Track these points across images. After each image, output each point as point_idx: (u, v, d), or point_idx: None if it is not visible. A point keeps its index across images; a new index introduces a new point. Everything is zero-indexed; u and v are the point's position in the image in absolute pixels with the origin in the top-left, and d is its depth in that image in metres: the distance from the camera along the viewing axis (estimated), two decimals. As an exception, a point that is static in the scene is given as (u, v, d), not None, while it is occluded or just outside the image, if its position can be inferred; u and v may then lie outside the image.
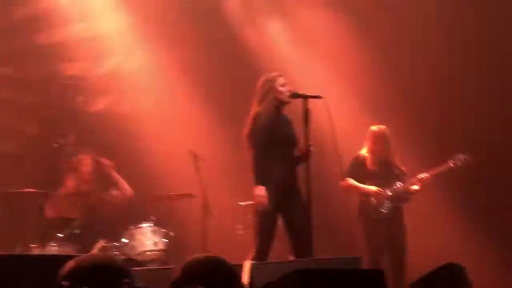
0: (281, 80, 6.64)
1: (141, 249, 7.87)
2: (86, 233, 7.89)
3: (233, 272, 3.32)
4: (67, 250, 7.48)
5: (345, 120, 9.24)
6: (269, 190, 6.37)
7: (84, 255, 3.14)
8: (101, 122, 9.69)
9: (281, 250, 6.94)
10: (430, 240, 8.73)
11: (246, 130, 6.61)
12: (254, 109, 6.64)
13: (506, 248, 8.46)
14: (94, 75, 9.80)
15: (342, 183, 7.69)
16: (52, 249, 7.52)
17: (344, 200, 8.61)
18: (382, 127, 7.82)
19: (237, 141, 9.67)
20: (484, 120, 9.02)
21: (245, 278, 4.44)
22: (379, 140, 7.73)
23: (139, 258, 7.80)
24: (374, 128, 7.86)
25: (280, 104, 6.63)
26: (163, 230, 7.99)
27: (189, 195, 8.14)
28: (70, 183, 8.15)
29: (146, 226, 7.98)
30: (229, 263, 3.35)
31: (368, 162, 7.73)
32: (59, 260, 3.26)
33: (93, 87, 9.79)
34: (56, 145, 7.51)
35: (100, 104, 9.91)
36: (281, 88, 6.59)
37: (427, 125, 9.15)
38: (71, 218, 7.87)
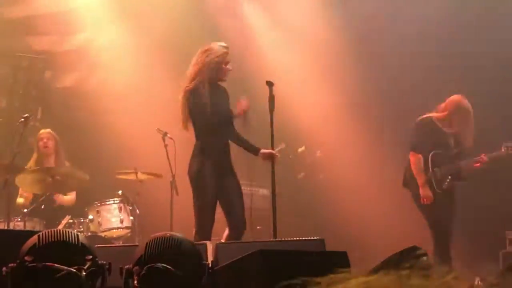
0: (228, 58, 6.37)
1: (106, 226, 7.86)
2: (51, 209, 7.85)
3: (196, 251, 3.34)
4: (32, 225, 7.44)
5: (323, 105, 9.33)
6: (206, 165, 6.25)
7: (48, 230, 3.13)
8: (68, 98, 9.61)
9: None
10: (394, 224, 8.83)
11: (183, 103, 6.35)
12: (192, 80, 6.30)
13: (470, 236, 8.56)
14: (63, 50, 9.71)
15: (413, 158, 7.23)
16: (17, 224, 7.48)
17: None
18: (459, 97, 7.33)
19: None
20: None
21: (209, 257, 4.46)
22: (460, 111, 7.28)
23: (104, 235, 7.79)
24: (454, 97, 7.36)
25: (218, 81, 6.42)
26: (129, 207, 7.98)
27: (156, 175, 8.12)
28: (33, 158, 8.10)
29: (112, 203, 7.97)
30: (192, 242, 3.37)
31: (440, 128, 7.31)
32: (23, 235, 3.25)
33: (62, 62, 9.70)
34: (23, 119, 7.42)
35: (68, 80, 9.83)
36: (227, 67, 6.36)
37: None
38: (37, 193, 7.81)
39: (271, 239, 5.92)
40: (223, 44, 6.42)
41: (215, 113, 6.22)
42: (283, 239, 5.60)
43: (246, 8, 10.04)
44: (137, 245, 3.39)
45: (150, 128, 8.20)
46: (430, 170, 7.21)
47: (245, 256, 3.61)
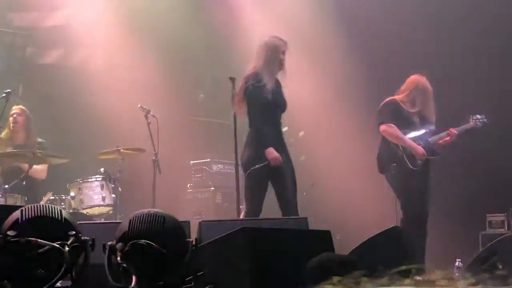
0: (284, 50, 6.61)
1: (88, 203, 7.84)
2: (32, 185, 7.80)
3: (180, 228, 3.33)
4: (14, 201, 7.40)
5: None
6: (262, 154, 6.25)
7: (31, 205, 3.11)
8: (50, 74, 9.52)
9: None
10: (375, 205, 8.88)
11: (241, 88, 6.41)
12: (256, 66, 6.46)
13: (450, 219, 8.63)
14: (45, 26, 9.61)
15: (383, 127, 7.17)
16: (-2, 199, 7.44)
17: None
18: (423, 78, 7.34)
19: (190, 102, 9.70)
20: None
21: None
22: (420, 89, 7.28)
23: (86, 212, 7.77)
24: (414, 77, 7.38)
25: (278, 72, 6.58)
26: (111, 185, 7.95)
27: (139, 150, 8.10)
28: (5, 132, 8.02)
29: (94, 181, 7.94)
30: (176, 219, 3.36)
31: (405, 110, 7.28)
32: (5, 210, 3.22)
33: (44, 39, 9.61)
34: (4, 95, 7.37)
35: (50, 57, 9.75)
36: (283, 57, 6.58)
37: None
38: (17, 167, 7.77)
39: (255, 218, 5.92)
40: (280, 37, 6.63)
41: (274, 102, 6.39)
42: (266, 217, 5.61)
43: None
44: (119, 222, 3.37)
45: (133, 105, 8.17)
46: (401, 148, 7.15)
47: (229, 233, 3.62)
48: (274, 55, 6.45)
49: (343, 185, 9.09)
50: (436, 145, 7.35)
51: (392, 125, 7.10)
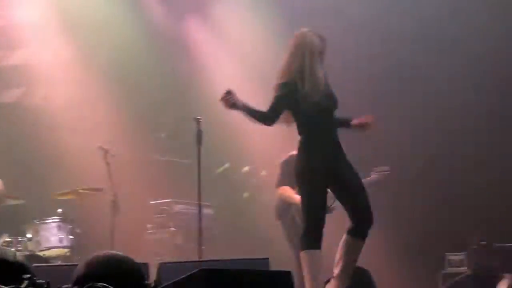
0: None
1: (45, 245, 7.71)
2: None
3: (138, 270, 3.27)
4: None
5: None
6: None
7: (-16, 248, 3.02)
8: (11, 113, 9.43)
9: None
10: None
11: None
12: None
13: (410, 257, 8.65)
14: (5, 65, 9.55)
15: (280, 189, 7.35)
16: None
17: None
18: None
19: (151, 141, 9.64)
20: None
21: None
22: None
23: (43, 254, 7.63)
24: None
25: None
26: (69, 226, 7.84)
27: (98, 190, 8.01)
28: None
29: (51, 222, 7.82)
30: (134, 261, 3.29)
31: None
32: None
33: (5, 77, 9.53)
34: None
35: (11, 95, 9.67)
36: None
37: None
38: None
39: (216, 259, 5.86)
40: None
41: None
42: (226, 258, 5.55)
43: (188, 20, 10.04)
44: (76, 265, 3.29)
45: (92, 144, 8.11)
46: (293, 208, 7.28)
47: (188, 275, 3.56)
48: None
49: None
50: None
51: (286, 188, 7.20)
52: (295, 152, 7.33)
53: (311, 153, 5.57)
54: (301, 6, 9.43)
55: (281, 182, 7.35)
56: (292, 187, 7.20)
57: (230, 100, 5.54)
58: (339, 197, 5.67)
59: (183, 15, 10.01)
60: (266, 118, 5.63)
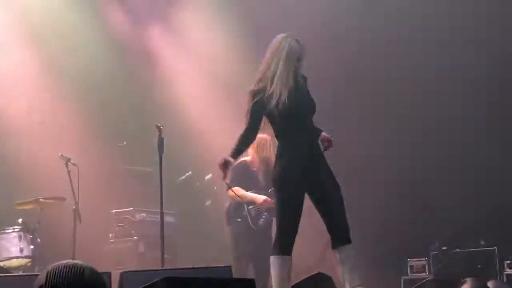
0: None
1: (5, 255, 7.61)
2: None
3: (100, 279, 3.24)
4: None
5: (223, 126, 9.33)
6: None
7: None
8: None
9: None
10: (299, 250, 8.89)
11: None
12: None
13: (371, 263, 8.71)
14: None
15: (230, 191, 7.54)
16: None
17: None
18: (264, 135, 7.74)
19: (112, 150, 9.58)
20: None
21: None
22: (263, 149, 7.65)
23: (3, 264, 7.52)
24: (259, 136, 7.73)
25: None
26: (29, 236, 7.74)
27: (59, 199, 7.93)
28: None
29: (12, 232, 7.72)
30: (96, 270, 3.27)
31: (251, 170, 7.62)
32: None
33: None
34: None
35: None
36: None
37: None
38: None
39: (179, 267, 5.84)
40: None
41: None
42: (189, 266, 5.53)
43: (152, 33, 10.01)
44: (37, 275, 3.25)
45: (53, 153, 8.03)
46: (246, 208, 7.45)
47: (151, 284, 3.54)
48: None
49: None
50: None
51: (237, 188, 7.29)
52: (247, 158, 7.51)
53: (286, 159, 5.51)
54: (264, 13, 9.48)
55: (231, 185, 7.43)
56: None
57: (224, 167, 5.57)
58: (316, 205, 5.61)
59: (146, 23, 9.99)
60: (248, 132, 5.63)
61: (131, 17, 9.85)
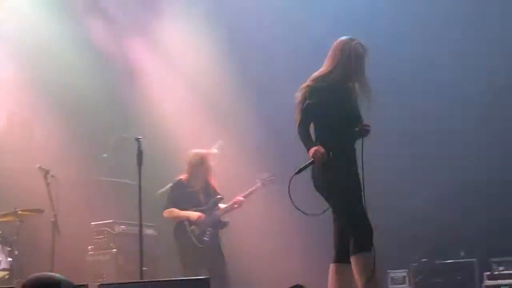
0: None
1: (-18, 267, 7.53)
2: None
3: (76, 292, 3.21)
4: None
5: (205, 139, 9.33)
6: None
7: None
8: None
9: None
10: (267, 262, 8.91)
11: None
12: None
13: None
14: None
15: (165, 213, 7.67)
16: None
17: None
18: (201, 151, 7.79)
19: (92, 162, 9.52)
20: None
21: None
22: (199, 165, 7.69)
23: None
24: (193, 152, 7.81)
25: None
26: (7, 248, 7.68)
27: (38, 211, 7.87)
28: None
29: (-11, 244, 7.64)
30: (72, 283, 3.24)
31: (188, 187, 7.69)
32: None
33: None
34: None
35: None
36: None
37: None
38: None
39: (157, 279, 5.80)
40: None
41: None
42: (166, 279, 5.50)
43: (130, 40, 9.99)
44: (13, 287, 3.23)
45: (31, 165, 7.99)
46: (188, 229, 7.55)
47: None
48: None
49: (250, 238, 9.07)
50: (225, 216, 7.80)
51: (171, 209, 7.60)
52: (182, 176, 7.62)
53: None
54: (245, 27, 9.51)
55: (167, 207, 7.68)
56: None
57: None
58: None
59: (127, 36, 9.96)
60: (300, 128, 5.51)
61: (113, 29, 9.81)
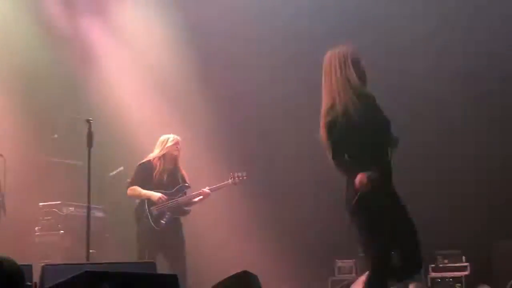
0: None
1: None
2: None
3: (19, 272, 3.19)
4: None
5: (158, 122, 9.29)
6: None
7: None
8: None
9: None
10: (227, 250, 8.92)
11: None
12: None
13: (300, 264, 8.78)
14: None
15: (128, 190, 7.65)
16: None
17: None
18: (175, 136, 7.75)
19: (42, 142, 9.40)
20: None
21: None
22: (169, 149, 7.66)
23: None
24: (165, 136, 7.77)
25: None
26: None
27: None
28: None
29: None
30: (15, 262, 3.22)
31: (155, 170, 7.64)
32: None
33: None
34: None
35: None
36: None
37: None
38: None
39: (101, 262, 5.77)
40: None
41: None
42: (113, 261, 5.48)
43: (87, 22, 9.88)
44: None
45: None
46: (147, 209, 7.53)
47: (71, 277, 3.49)
48: None
49: (199, 227, 9.06)
50: (188, 204, 7.74)
51: (134, 187, 7.57)
52: (150, 158, 7.58)
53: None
54: (207, 11, 9.50)
55: (132, 184, 7.62)
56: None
57: None
58: None
59: (81, 16, 9.84)
60: None
61: (66, 8, 9.68)
